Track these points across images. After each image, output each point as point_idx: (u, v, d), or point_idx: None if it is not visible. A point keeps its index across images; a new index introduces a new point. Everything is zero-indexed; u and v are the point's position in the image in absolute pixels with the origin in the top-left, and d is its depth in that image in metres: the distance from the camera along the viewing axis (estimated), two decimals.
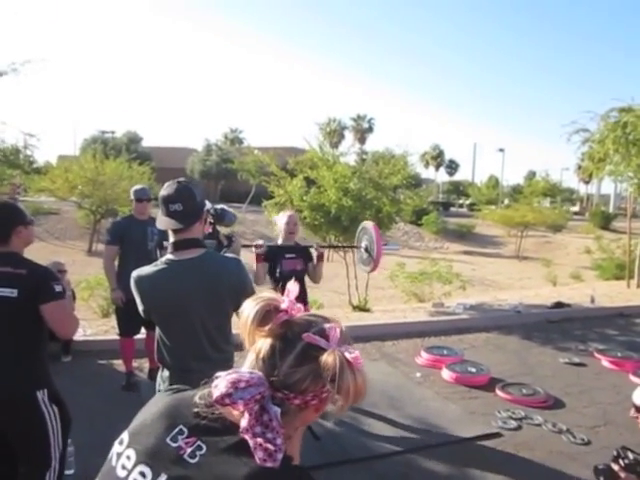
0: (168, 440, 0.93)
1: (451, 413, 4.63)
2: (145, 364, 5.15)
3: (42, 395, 2.37)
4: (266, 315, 0.97)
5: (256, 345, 0.97)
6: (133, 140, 43.67)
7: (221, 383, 0.89)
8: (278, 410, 0.89)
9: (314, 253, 4.71)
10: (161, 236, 5.09)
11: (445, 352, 6.19)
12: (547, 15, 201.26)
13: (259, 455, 0.86)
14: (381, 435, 4.16)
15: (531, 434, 4.27)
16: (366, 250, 4.90)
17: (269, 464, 0.85)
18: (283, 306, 0.98)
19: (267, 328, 0.96)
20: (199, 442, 0.92)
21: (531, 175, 57.93)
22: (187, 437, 0.93)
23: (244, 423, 0.88)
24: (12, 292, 2.31)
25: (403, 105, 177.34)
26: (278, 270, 4.50)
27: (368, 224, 5.06)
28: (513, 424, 4.41)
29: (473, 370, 5.53)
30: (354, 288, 9.60)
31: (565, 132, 11.47)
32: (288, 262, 4.50)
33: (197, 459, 0.90)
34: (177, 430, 0.94)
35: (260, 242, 4.42)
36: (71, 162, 23.63)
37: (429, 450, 3.97)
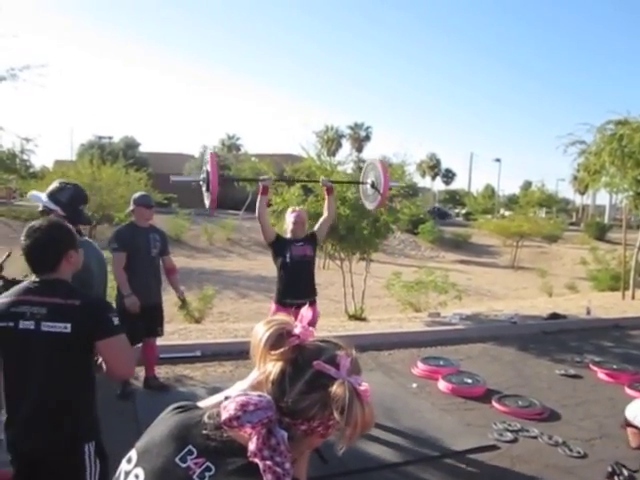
0: (177, 460, 0.94)
1: (447, 425, 4.61)
2: (141, 372, 5.12)
3: (89, 448, 2.08)
4: (278, 338, 0.97)
5: (266, 368, 0.98)
6: (130, 145, 43.66)
7: (230, 405, 0.90)
8: (285, 434, 0.90)
9: (323, 189, 4.96)
10: (163, 243, 5.09)
11: (441, 363, 6.17)
12: (546, 26, 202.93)
13: (268, 478, 0.86)
14: (376, 447, 4.14)
15: (527, 447, 4.26)
16: (372, 185, 4.88)
17: None
18: (296, 331, 0.99)
19: (279, 352, 0.97)
20: (208, 463, 0.92)
21: (527, 185, 58.20)
22: (196, 457, 0.93)
23: (252, 446, 0.88)
24: (65, 327, 1.98)
25: (400, 114, 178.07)
26: (288, 256, 4.62)
27: (375, 160, 5.04)
28: (509, 436, 4.40)
29: (469, 381, 5.52)
30: (350, 297, 9.60)
31: (561, 143, 11.58)
32: (298, 248, 4.67)
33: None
34: (186, 450, 0.94)
35: (266, 177, 4.78)
36: (68, 167, 23.58)
37: (425, 462, 3.96)
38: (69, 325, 1.99)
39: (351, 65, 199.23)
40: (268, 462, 0.87)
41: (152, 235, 4.93)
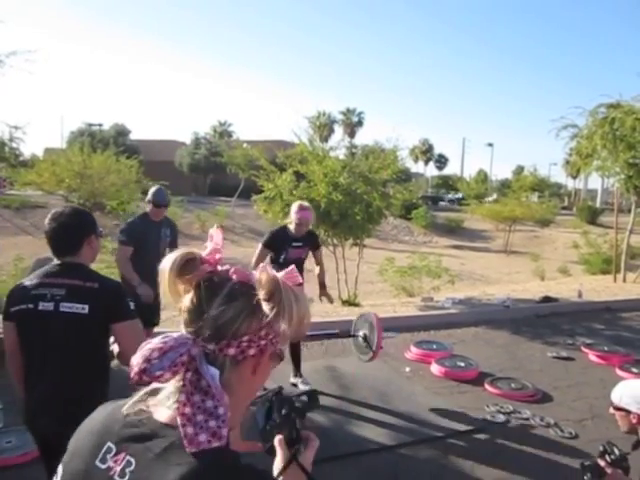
0: (97, 462, 0.83)
1: (440, 407, 4.64)
2: None
3: None
4: (187, 264, 0.86)
5: (181, 302, 0.86)
6: (121, 133, 43.25)
7: (134, 361, 0.78)
8: (216, 372, 0.79)
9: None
10: (173, 237, 5.03)
11: (434, 347, 6.21)
12: (537, 10, 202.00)
13: (201, 439, 0.76)
14: (370, 430, 4.17)
15: (519, 428, 4.31)
16: (364, 339, 4.80)
17: (215, 444, 0.76)
18: (205, 254, 0.89)
19: (189, 277, 0.85)
20: (128, 457, 0.80)
21: (519, 170, 58.27)
22: (115, 454, 0.82)
23: (181, 398, 0.77)
24: (83, 308, 2.05)
25: (393, 99, 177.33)
26: (283, 257, 4.61)
27: (370, 315, 4.94)
28: (502, 418, 4.45)
29: (462, 365, 5.56)
30: (344, 282, 9.61)
31: (554, 127, 11.55)
32: (295, 251, 4.67)
33: (127, 477, 0.79)
34: (105, 449, 0.83)
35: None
36: (58, 155, 23.38)
37: (418, 445, 3.99)
38: (87, 306, 2.05)
39: (342, 51, 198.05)
40: (199, 417, 0.76)
41: (164, 230, 4.84)
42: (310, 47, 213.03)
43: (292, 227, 4.63)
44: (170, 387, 0.83)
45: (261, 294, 0.84)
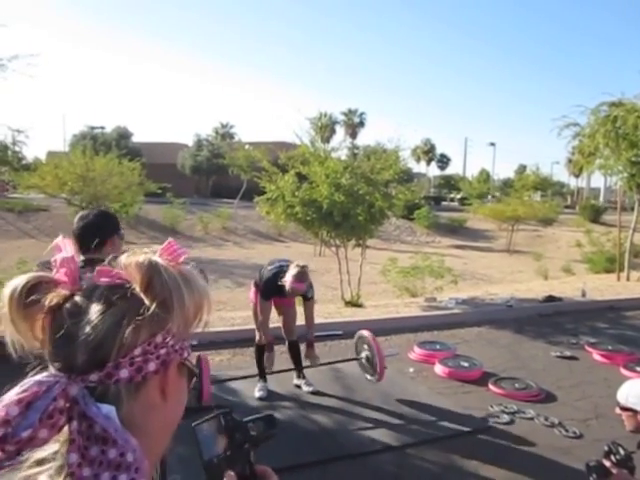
0: None
1: (444, 408, 4.64)
2: None
3: None
4: (34, 290, 0.64)
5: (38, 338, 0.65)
6: (123, 136, 43.34)
7: None
8: (111, 409, 0.60)
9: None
10: None
11: (438, 347, 6.20)
12: (539, 9, 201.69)
13: None
14: (375, 430, 4.17)
15: (524, 428, 4.30)
16: (367, 360, 4.89)
17: None
18: (57, 275, 0.66)
19: (41, 307, 0.64)
20: None
21: (522, 169, 58.15)
22: None
23: (73, 459, 0.56)
24: None
25: (394, 99, 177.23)
26: (271, 299, 4.69)
27: (364, 333, 5.01)
28: (506, 418, 4.44)
29: (466, 365, 5.55)
30: (346, 283, 9.61)
31: (556, 126, 11.54)
32: (283, 300, 4.79)
33: None
34: None
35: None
36: (60, 158, 23.37)
37: (422, 445, 3.99)
38: None
39: (344, 52, 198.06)
40: (105, 475, 0.56)
41: None
42: (312, 48, 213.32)
43: (286, 288, 4.44)
44: (54, 447, 0.60)
45: (136, 286, 0.64)
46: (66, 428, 0.58)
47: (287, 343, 4.96)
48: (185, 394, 0.72)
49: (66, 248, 0.68)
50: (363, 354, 4.98)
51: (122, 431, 0.58)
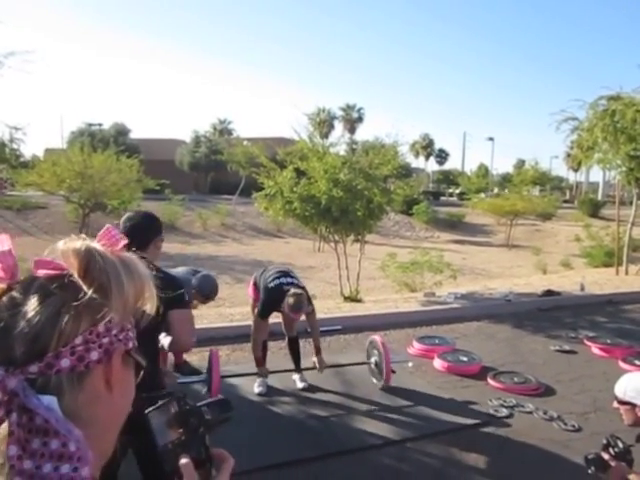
0: None
1: (443, 402, 4.64)
2: None
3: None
4: None
5: None
6: (121, 132, 43.22)
7: None
8: (52, 399, 0.58)
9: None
10: None
11: (437, 341, 6.21)
12: (537, 3, 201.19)
13: None
14: (374, 425, 4.17)
15: (522, 422, 4.31)
16: (376, 365, 4.94)
17: None
18: None
19: None
20: None
21: (520, 164, 58.10)
22: None
23: (12, 452, 0.55)
24: None
25: (393, 94, 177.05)
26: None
27: (376, 338, 5.06)
28: (505, 412, 4.45)
29: (465, 359, 5.56)
30: (345, 279, 9.62)
31: (554, 121, 11.55)
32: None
33: None
34: None
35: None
36: (58, 155, 23.31)
37: (422, 440, 3.99)
38: None
39: (342, 47, 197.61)
40: (47, 466, 0.55)
41: None
42: (309, 43, 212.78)
43: (285, 309, 4.47)
44: None
45: (74, 272, 0.63)
46: (5, 424, 0.56)
47: (287, 339, 4.97)
48: (132, 385, 0.71)
49: (3, 243, 0.67)
50: (372, 359, 5.03)
51: (64, 421, 0.57)
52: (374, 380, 5.00)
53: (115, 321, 0.64)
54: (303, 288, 4.58)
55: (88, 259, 0.63)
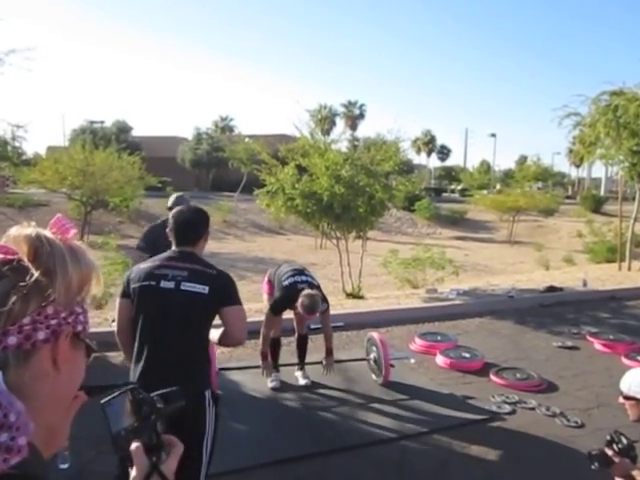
0: None
1: (445, 399, 4.64)
2: None
3: (208, 395, 2.36)
4: None
5: None
6: (122, 130, 43.27)
7: None
8: None
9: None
10: None
11: (439, 338, 6.20)
12: None
13: None
14: (376, 422, 4.17)
15: (525, 418, 4.30)
16: (375, 362, 4.93)
17: (14, 459, 0.59)
18: None
19: None
20: None
21: (522, 160, 58.00)
22: None
23: None
24: (204, 289, 2.33)
25: (394, 91, 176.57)
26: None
27: (374, 335, 5.05)
28: (507, 408, 4.44)
29: (467, 355, 5.55)
30: (347, 275, 9.61)
31: (556, 116, 11.49)
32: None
33: None
34: None
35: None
36: (60, 153, 23.39)
37: (424, 436, 3.99)
38: (207, 288, 2.34)
39: (343, 43, 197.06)
40: None
41: None
42: (311, 40, 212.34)
43: (298, 308, 4.40)
44: None
45: (24, 257, 0.67)
46: None
47: (297, 335, 4.98)
48: (81, 367, 0.74)
49: None
50: (371, 355, 5.03)
51: (7, 394, 0.60)
52: (373, 376, 5.00)
53: (60, 303, 0.67)
54: (318, 287, 4.54)
55: (37, 244, 0.67)
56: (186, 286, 2.33)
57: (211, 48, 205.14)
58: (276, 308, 4.53)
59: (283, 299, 4.50)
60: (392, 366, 4.88)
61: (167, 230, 2.58)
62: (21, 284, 0.64)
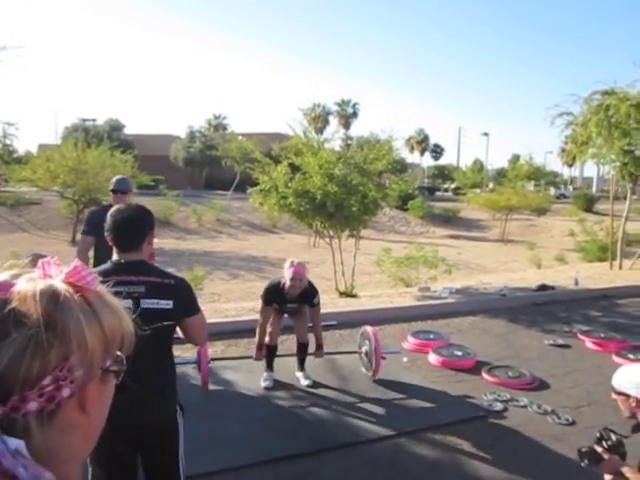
0: None
1: (438, 397, 4.66)
2: None
3: (179, 407, 2.30)
4: None
5: None
6: (115, 128, 43.10)
7: None
8: (20, 443, 0.53)
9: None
10: None
11: (431, 336, 6.22)
12: None
13: None
14: (369, 420, 4.18)
15: (517, 416, 4.33)
16: (366, 355, 4.95)
17: None
18: None
19: None
20: None
21: (515, 159, 58.20)
22: None
23: None
24: (168, 304, 2.14)
25: (387, 89, 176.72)
26: (278, 308, 4.70)
27: (367, 329, 5.05)
28: (499, 406, 4.46)
29: (459, 354, 5.58)
30: (340, 274, 9.62)
31: (549, 115, 11.54)
32: (288, 309, 4.74)
33: None
34: None
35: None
36: (52, 151, 23.25)
37: (416, 434, 4.01)
38: (171, 302, 2.15)
39: (337, 42, 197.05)
40: None
41: None
42: (304, 38, 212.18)
43: (286, 285, 4.44)
44: None
45: (35, 315, 0.57)
46: None
47: (297, 344, 4.97)
48: (110, 394, 0.66)
49: None
50: (363, 348, 5.04)
51: (33, 467, 0.53)
52: (364, 370, 5.00)
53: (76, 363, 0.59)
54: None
55: (52, 307, 0.58)
56: (147, 303, 2.09)
57: (205, 46, 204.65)
58: (265, 296, 4.59)
59: (270, 286, 4.59)
60: (383, 358, 4.89)
61: (105, 233, 2.23)
62: (40, 341, 0.55)
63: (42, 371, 0.55)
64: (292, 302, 4.60)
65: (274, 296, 4.58)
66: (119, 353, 0.65)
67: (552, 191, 46.81)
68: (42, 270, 0.62)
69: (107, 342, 0.62)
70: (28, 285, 0.58)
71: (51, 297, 0.58)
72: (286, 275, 4.41)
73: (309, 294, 4.61)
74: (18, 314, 0.56)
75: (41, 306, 0.57)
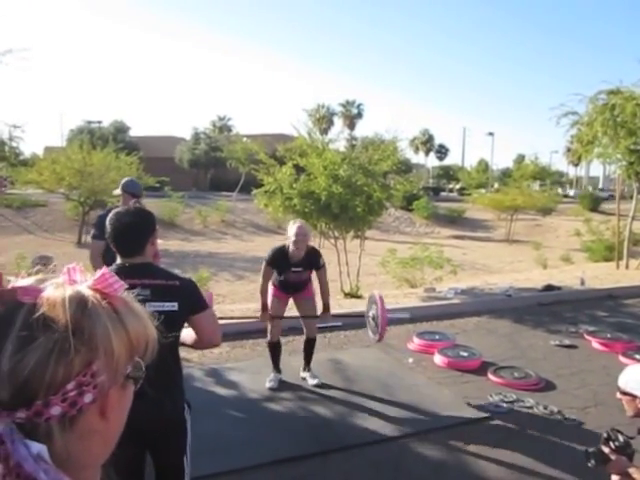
0: None
1: (443, 398, 4.65)
2: None
3: (186, 404, 2.33)
4: None
5: None
6: (120, 130, 43.23)
7: None
8: (42, 448, 0.54)
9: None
10: None
11: (437, 337, 6.21)
12: None
13: None
14: (374, 421, 4.18)
15: (523, 417, 4.31)
16: (373, 319, 4.90)
17: None
18: None
19: None
20: None
21: (520, 159, 58.04)
22: None
23: None
24: (173, 306, 2.16)
25: (392, 90, 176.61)
26: (284, 277, 4.66)
27: (375, 294, 5.01)
28: (505, 407, 4.45)
29: (465, 354, 5.56)
30: (345, 275, 9.61)
31: (554, 115, 11.51)
32: (295, 275, 4.66)
33: None
34: None
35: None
36: (58, 153, 23.33)
37: (422, 435, 4.00)
38: (176, 304, 2.17)
39: (342, 42, 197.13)
40: None
41: None
42: (309, 39, 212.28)
43: (290, 247, 4.49)
44: None
45: (62, 321, 0.57)
46: None
47: (305, 340, 4.97)
48: (130, 400, 0.66)
49: None
50: (370, 313, 4.95)
51: (54, 473, 0.54)
52: (370, 334, 4.96)
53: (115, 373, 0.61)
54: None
55: (78, 314, 0.59)
56: (152, 306, 2.02)
57: (209, 48, 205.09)
58: (270, 257, 4.62)
59: (275, 249, 4.64)
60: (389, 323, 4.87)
61: (107, 238, 2.25)
62: (65, 354, 0.56)
63: (66, 376, 0.56)
64: (297, 265, 4.59)
65: (279, 259, 4.59)
66: (138, 359, 0.65)
67: (559, 190, 46.68)
68: (68, 276, 0.63)
69: (132, 349, 0.63)
70: (57, 291, 0.60)
71: (79, 304, 0.59)
72: (290, 233, 4.46)
73: (313, 257, 4.64)
74: (47, 319, 0.57)
75: (70, 312, 0.58)
